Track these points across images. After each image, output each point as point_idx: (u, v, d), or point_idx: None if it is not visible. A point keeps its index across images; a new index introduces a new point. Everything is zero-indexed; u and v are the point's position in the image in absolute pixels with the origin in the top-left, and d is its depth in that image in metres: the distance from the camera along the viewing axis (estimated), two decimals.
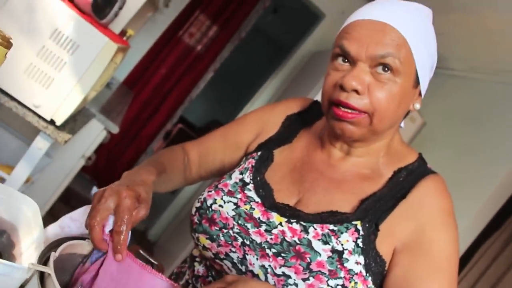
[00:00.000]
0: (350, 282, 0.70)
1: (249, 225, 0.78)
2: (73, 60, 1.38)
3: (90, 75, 1.39)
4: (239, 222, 0.78)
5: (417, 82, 0.77)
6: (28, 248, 0.67)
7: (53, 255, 0.61)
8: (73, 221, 0.73)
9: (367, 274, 0.72)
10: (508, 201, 2.29)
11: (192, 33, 3.66)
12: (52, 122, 1.40)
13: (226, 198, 0.82)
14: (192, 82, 3.71)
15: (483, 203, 2.31)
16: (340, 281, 0.70)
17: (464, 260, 2.27)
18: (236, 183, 0.84)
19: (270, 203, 0.80)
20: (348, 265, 0.71)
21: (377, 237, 0.73)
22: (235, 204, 0.81)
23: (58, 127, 1.41)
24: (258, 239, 0.76)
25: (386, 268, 0.73)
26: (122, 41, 1.70)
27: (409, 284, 0.70)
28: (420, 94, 0.80)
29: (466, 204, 2.25)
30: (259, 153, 0.90)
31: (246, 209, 0.79)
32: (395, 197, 0.77)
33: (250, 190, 0.82)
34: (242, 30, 3.68)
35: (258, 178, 0.84)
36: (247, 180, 0.84)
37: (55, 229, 0.72)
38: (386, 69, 0.74)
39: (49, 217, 2.49)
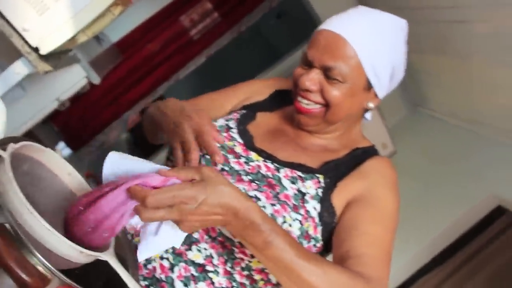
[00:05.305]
0: (306, 221, 0.82)
1: (230, 156, 0.89)
2: None
3: (85, 14, 1.39)
4: (222, 152, 0.89)
5: (368, 86, 0.88)
6: None
7: (12, 146, 0.62)
8: None
9: (319, 222, 0.83)
10: (455, 241, 2.39)
11: (193, 18, 3.67)
12: (36, 50, 1.39)
13: None
14: (183, 61, 3.71)
15: (432, 239, 2.39)
16: (299, 217, 0.82)
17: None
18: (222, 126, 0.95)
19: (250, 145, 0.92)
20: (308, 206, 0.83)
21: (333, 192, 0.86)
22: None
23: (41, 57, 1.39)
24: (236, 167, 0.87)
25: (335, 220, 0.85)
26: None
27: (355, 225, 0.81)
28: (376, 96, 0.92)
29: (417, 235, 2.33)
30: (243, 111, 1.01)
31: (230, 145, 0.91)
32: (352, 164, 0.91)
33: (234, 133, 0.94)
34: (243, 24, 3.71)
35: (242, 127, 0.95)
36: (232, 126, 0.95)
37: None
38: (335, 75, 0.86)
39: None
